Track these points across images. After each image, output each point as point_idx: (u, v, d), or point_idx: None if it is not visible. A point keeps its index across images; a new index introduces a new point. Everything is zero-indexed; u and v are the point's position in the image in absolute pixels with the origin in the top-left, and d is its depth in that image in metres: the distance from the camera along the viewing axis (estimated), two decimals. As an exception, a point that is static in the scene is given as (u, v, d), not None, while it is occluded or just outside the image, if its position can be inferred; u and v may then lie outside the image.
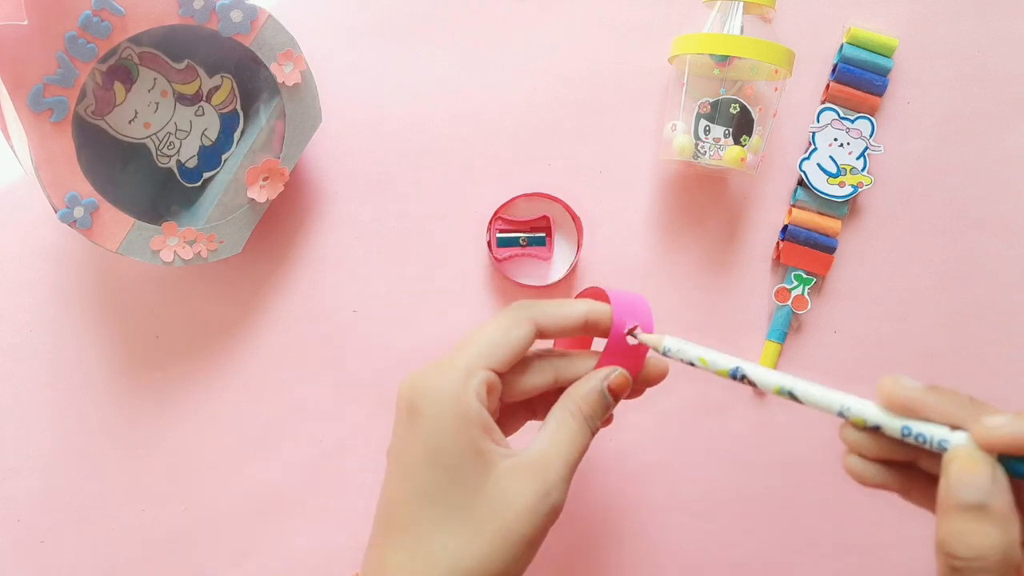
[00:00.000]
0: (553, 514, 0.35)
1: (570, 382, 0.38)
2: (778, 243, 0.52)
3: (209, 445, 0.51)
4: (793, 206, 0.52)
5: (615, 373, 0.38)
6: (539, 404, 0.41)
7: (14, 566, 0.51)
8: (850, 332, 0.52)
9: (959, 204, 0.52)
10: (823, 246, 0.51)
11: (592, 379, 0.38)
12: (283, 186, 0.48)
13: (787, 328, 0.52)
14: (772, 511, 0.52)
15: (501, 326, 0.37)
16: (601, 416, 0.37)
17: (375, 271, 0.52)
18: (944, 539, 0.29)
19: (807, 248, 0.51)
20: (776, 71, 0.48)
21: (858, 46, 0.51)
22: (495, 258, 0.50)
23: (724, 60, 0.48)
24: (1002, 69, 0.52)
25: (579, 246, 0.51)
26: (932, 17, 0.52)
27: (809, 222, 0.51)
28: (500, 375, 0.37)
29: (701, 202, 0.52)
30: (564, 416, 0.37)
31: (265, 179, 0.48)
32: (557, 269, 0.51)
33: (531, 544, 0.34)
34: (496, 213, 0.50)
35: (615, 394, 0.38)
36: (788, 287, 0.51)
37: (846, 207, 0.51)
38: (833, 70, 0.52)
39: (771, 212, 0.53)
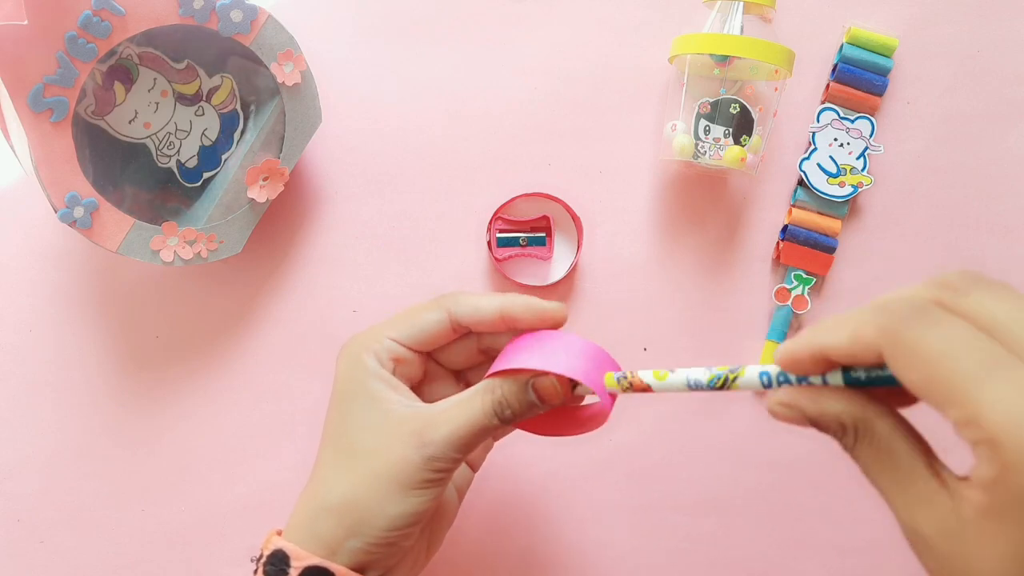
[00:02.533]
0: (429, 466, 0.36)
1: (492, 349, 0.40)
2: (778, 243, 0.52)
3: (209, 445, 0.51)
4: (793, 206, 0.52)
5: (546, 379, 0.36)
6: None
7: (14, 566, 0.51)
8: (850, 332, 0.52)
9: (959, 204, 0.52)
10: (823, 246, 0.51)
11: (522, 374, 0.37)
12: (283, 186, 0.48)
13: (787, 328, 0.52)
14: (772, 511, 0.52)
15: (416, 307, 0.40)
16: (517, 409, 0.36)
17: (375, 271, 0.52)
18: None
19: (807, 248, 0.51)
20: (776, 71, 0.48)
21: (858, 46, 0.51)
22: (495, 258, 0.50)
23: (724, 60, 0.48)
24: (1002, 69, 0.52)
25: (579, 246, 0.51)
26: (932, 17, 0.52)
27: (809, 222, 0.51)
28: (419, 353, 0.40)
29: (701, 202, 0.52)
30: (478, 389, 0.37)
31: (265, 179, 0.48)
32: (557, 269, 0.51)
33: (405, 488, 0.36)
34: (496, 213, 0.50)
35: (540, 395, 0.36)
36: (788, 287, 0.52)
37: (846, 207, 0.51)
38: (833, 70, 0.52)
39: (771, 212, 0.53)
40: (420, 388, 0.41)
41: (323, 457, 0.39)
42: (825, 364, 0.30)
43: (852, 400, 0.30)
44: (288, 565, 0.36)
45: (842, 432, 0.30)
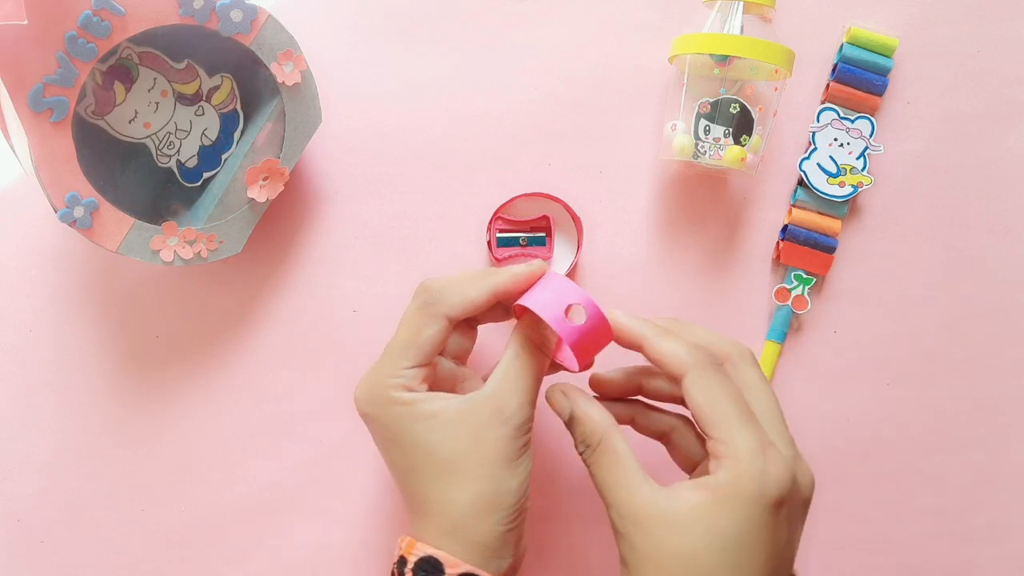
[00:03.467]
0: (520, 434, 0.39)
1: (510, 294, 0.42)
2: (778, 243, 0.52)
3: (209, 445, 0.51)
4: (793, 206, 0.52)
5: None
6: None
7: (14, 566, 0.51)
8: (850, 332, 0.52)
9: (959, 204, 0.52)
10: (823, 246, 0.51)
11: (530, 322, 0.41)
12: (283, 186, 0.48)
13: (787, 328, 0.52)
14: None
15: (413, 327, 0.41)
16: (553, 341, 0.41)
17: (375, 271, 0.52)
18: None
19: (807, 248, 0.51)
20: (776, 71, 0.48)
21: (858, 46, 0.51)
22: (495, 258, 0.50)
23: (724, 60, 0.48)
24: (1002, 69, 0.52)
25: (579, 246, 0.51)
26: (932, 17, 0.52)
27: (809, 222, 0.51)
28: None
29: (701, 202, 0.52)
30: (516, 349, 0.41)
31: (265, 179, 0.48)
32: (557, 269, 0.51)
33: (509, 461, 0.39)
34: (496, 213, 0.50)
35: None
36: (788, 287, 0.52)
37: (846, 207, 0.51)
38: (833, 70, 0.52)
39: (771, 212, 0.53)
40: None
41: (419, 489, 0.40)
42: (628, 345, 0.40)
43: (606, 415, 0.39)
44: (442, 572, 0.38)
45: (589, 436, 0.39)
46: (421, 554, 0.38)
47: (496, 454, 0.39)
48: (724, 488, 0.35)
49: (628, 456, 0.38)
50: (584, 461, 0.39)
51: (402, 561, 0.39)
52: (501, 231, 0.51)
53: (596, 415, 0.39)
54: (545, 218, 0.51)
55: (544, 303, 0.39)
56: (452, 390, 0.43)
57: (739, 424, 0.37)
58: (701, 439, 0.43)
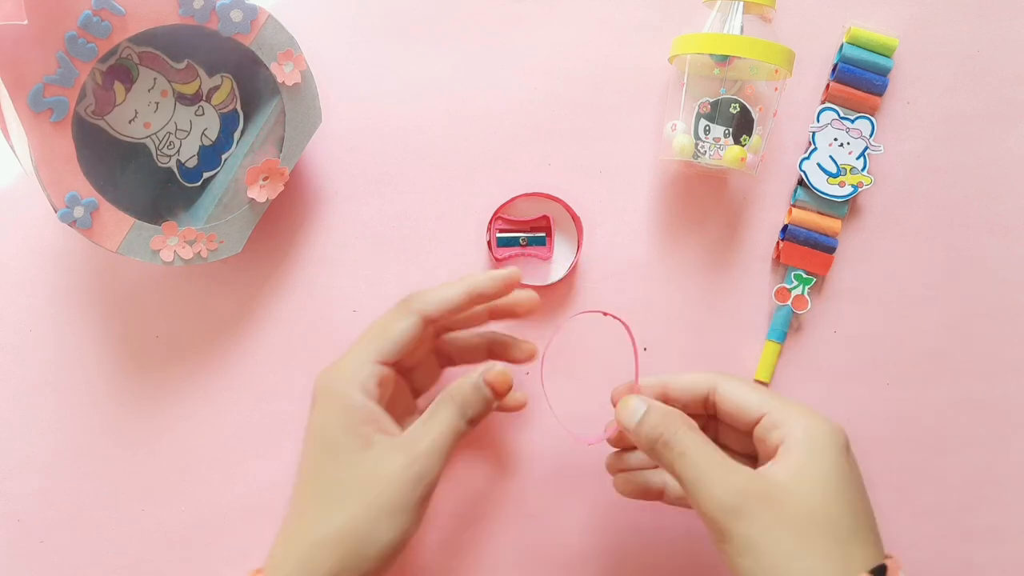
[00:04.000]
0: (419, 482, 0.38)
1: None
2: (778, 243, 0.52)
3: (209, 445, 0.51)
4: (793, 206, 0.52)
5: (494, 370, 0.41)
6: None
7: (14, 566, 0.51)
8: (850, 332, 0.52)
9: (959, 204, 0.52)
10: (823, 246, 0.51)
11: (471, 374, 0.42)
12: (283, 186, 0.48)
13: (787, 328, 0.52)
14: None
15: (386, 320, 0.42)
16: (477, 407, 0.41)
17: (375, 271, 0.52)
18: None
19: (807, 248, 0.51)
20: (776, 71, 0.48)
21: (858, 46, 0.51)
22: (495, 258, 0.50)
23: (724, 60, 0.48)
24: (1002, 69, 0.52)
25: (579, 246, 0.51)
26: (932, 17, 0.52)
27: (809, 222, 0.51)
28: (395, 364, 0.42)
29: (701, 202, 0.52)
30: (440, 401, 0.41)
31: (265, 179, 0.48)
32: (557, 269, 0.51)
33: (399, 510, 0.38)
34: (496, 213, 0.50)
35: (493, 388, 0.41)
36: (788, 287, 0.51)
37: (846, 207, 0.51)
38: (833, 70, 0.52)
39: (771, 212, 0.53)
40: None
41: (307, 494, 0.39)
42: (660, 398, 0.43)
43: (672, 409, 0.41)
44: None
45: (672, 431, 0.39)
46: None
47: (381, 497, 0.38)
48: (808, 443, 0.38)
49: (711, 441, 0.39)
50: (664, 453, 0.39)
51: None
52: (501, 231, 0.51)
53: (675, 409, 0.41)
54: (545, 218, 0.51)
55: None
56: (397, 418, 0.43)
57: (782, 397, 0.40)
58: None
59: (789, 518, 0.36)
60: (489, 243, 0.50)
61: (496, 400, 0.41)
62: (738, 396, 0.41)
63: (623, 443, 0.47)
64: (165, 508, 0.51)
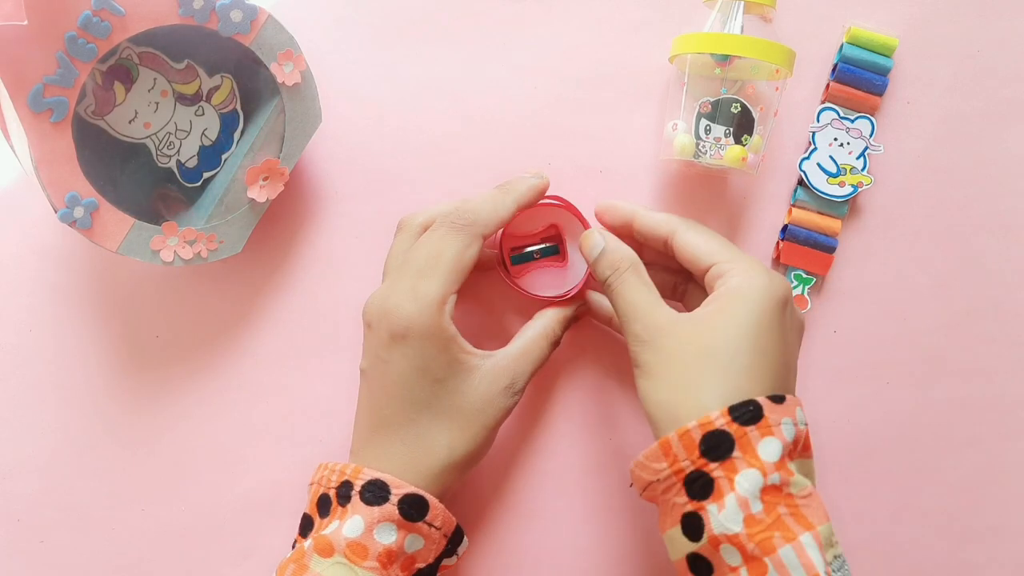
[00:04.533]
0: (515, 401, 0.44)
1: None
2: (778, 243, 0.52)
3: (209, 444, 0.51)
4: (793, 206, 0.52)
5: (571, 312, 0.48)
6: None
7: (14, 566, 0.51)
8: (850, 332, 0.52)
9: (959, 204, 0.52)
10: (823, 246, 0.51)
11: (563, 310, 0.48)
12: (283, 186, 0.48)
13: (787, 328, 0.52)
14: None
15: (455, 248, 0.42)
16: (561, 334, 0.48)
17: (375, 271, 0.52)
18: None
19: (807, 248, 0.51)
20: (777, 71, 0.48)
21: (858, 46, 0.51)
22: (513, 277, 0.49)
23: (725, 60, 0.48)
24: (1002, 69, 0.52)
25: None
26: (932, 17, 0.52)
27: (809, 222, 0.51)
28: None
29: (701, 202, 0.52)
30: (535, 335, 0.46)
31: (265, 179, 0.48)
32: (574, 275, 0.49)
33: (497, 428, 0.44)
34: (504, 231, 0.49)
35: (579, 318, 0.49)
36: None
37: (846, 207, 0.51)
38: (833, 70, 0.52)
39: (771, 212, 0.53)
40: None
41: (425, 424, 0.42)
42: (621, 225, 0.47)
43: (633, 251, 0.44)
44: (389, 492, 0.40)
45: (618, 262, 0.43)
46: (368, 477, 0.41)
47: (495, 421, 0.44)
48: (737, 290, 0.40)
49: (650, 283, 0.43)
50: (608, 288, 0.43)
51: (347, 485, 0.41)
52: (514, 249, 0.49)
53: (628, 251, 0.44)
54: (554, 227, 0.50)
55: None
56: None
57: (736, 250, 0.43)
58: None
59: (687, 350, 0.39)
60: (504, 263, 0.49)
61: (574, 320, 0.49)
62: (693, 244, 0.43)
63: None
64: (165, 508, 0.51)
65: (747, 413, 0.37)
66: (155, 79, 0.47)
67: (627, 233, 0.47)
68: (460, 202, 0.44)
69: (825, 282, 0.52)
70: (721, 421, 0.37)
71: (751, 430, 0.37)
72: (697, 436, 0.37)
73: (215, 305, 0.52)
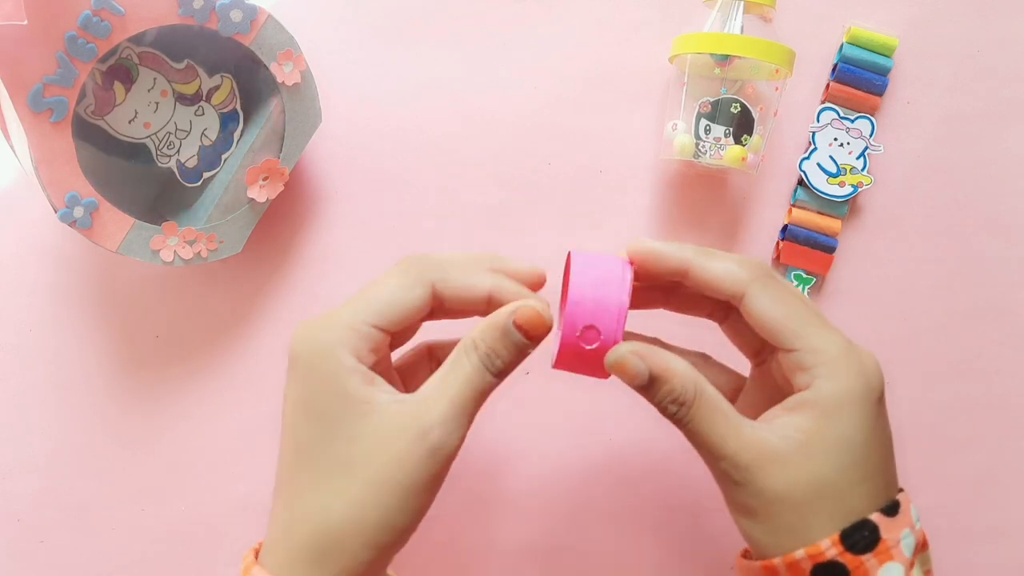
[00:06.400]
0: (436, 456, 0.33)
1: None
2: (778, 243, 0.52)
3: (209, 444, 0.51)
4: (793, 206, 0.52)
5: (524, 305, 0.34)
6: None
7: (14, 566, 0.51)
8: (850, 332, 0.52)
9: (959, 204, 0.52)
10: (823, 246, 0.51)
11: (498, 314, 0.34)
12: (283, 186, 0.48)
13: (787, 328, 0.52)
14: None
15: (396, 283, 0.35)
16: (507, 356, 0.34)
17: (375, 271, 0.52)
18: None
19: (807, 248, 0.51)
20: (777, 71, 0.48)
21: (858, 46, 0.51)
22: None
23: (725, 59, 0.48)
24: (1002, 69, 0.52)
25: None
26: (932, 17, 0.52)
27: (809, 222, 0.51)
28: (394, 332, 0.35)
29: (701, 202, 0.52)
30: (457, 353, 0.34)
31: (265, 179, 0.48)
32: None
33: (413, 490, 0.33)
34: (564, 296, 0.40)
35: (525, 331, 0.34)
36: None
37: (846, 207, 0.51)
38: (833, 70, 0.52)
39: (771, 212, 0.53)
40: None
41: (301, 472, 0.34)
42: (669, 276, 0.37)
43: (688, 365, 0.35)
44: None
45: (682, 392, 0.34)
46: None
47: (412, 483, 0.33)
48: (831, 397, 0.34)
49: (724, 401, 0.35)
50: (677, 421, 0.35)
51: None
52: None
53: (683, 368, 0.35)
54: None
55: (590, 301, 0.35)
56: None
57: (821, 327, 0.35)
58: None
59: (794, 490, 0.33)
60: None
61: (531, 346, 0.35)
62: (770, 317, 0.35)
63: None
64: (165, 508, 0.51)
65: (862, 540, 0.33)
66: (155, 79, 0.47)
67: (668, 281, 0.38)
68: (441, 255, 0.37)
69: (825, 282, 0.52)
70: (833, 552, 0.33)
71: (868, 559, 0.33)
72: (807, 567, 0.33)
73: (215, 305, 0.52)
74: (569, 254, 0.38)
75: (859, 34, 0.51)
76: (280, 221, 0.52)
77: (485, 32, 0.52)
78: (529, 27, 0.52)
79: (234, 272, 0.52)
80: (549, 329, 0.35)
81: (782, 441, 0.34)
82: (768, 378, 0.39)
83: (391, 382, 0.36)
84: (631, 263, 0.37)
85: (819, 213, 0.51)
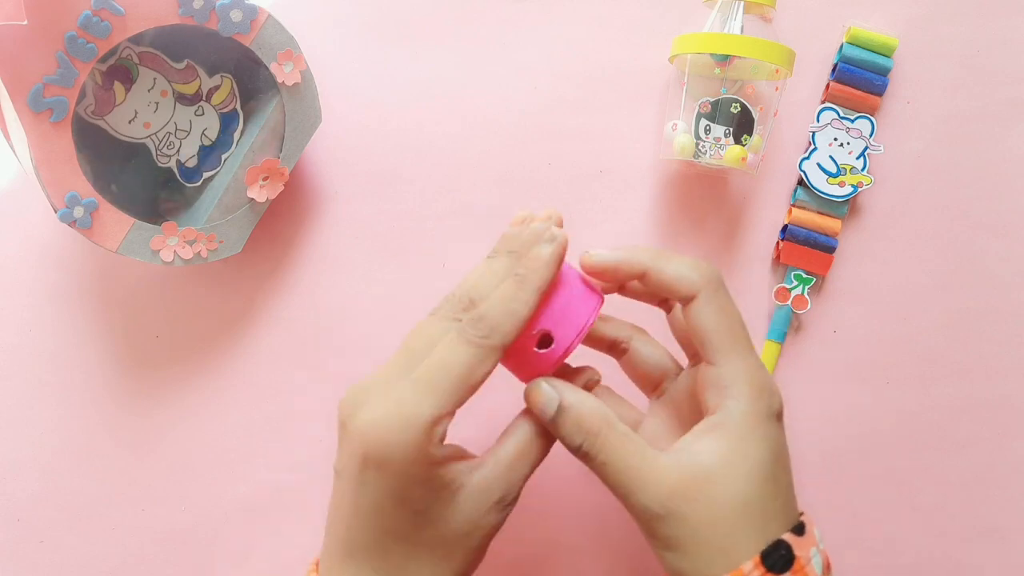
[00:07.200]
0: (508, 513, 0.36)
1: None
2: (778, 243, 0.52)
3: (209, 445, 0.51)
4: (793, 206, 0.52)
5: (586, 406, 0.36)
6: None
7: (14, 566, 0.51)
8: (850, 332, 0.52)
9: (959, 204, 0.52)
10: (823, 246, 0.51)
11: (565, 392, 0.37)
12: (283, 186, 0.48)
13: (787, 328, 0.52)
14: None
15: (465, 363, 0.34)
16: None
17: (375, 271, 0.52)
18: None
19: (807, 248, 0.51)
20: (777, 71, 0.48)
21: (858, 46, 0.51)
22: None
23: (725, 59, 0.48)
24: (1002, 69, 0.52)
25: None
26: (932, 17, 0.52)
27: (809, 222, 0.51)
28: None
29: (701, 202, 0.52)
30: (530, 434, 0.37)
31: (265, 179, 0.48)
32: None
33: (490, 541, 0.36)
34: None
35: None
36: (788, 287, 0.51)
37: (846, 207, 0.51)
38: (833, 70, 0.52)
39: (771, 212, 0.53)
40: None
41: (402, 556, 0.35)
42: (623, 280, 0.39)
43: (596, 400, 0.37)
44: None
45: (588, 425, 0.36)
46: None
47: (484, 542, 0.36)
48: (743, 420, 0.35)
49: (633, 434, 0.36)
50: (584, 455, 0.36)
51: None
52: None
53: (592, 402, 0.36)
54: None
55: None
56: None
57: (745, 350, 0.37)
58: (662, 349, 0.43)
59: (715, 515, 0.34)
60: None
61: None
62: (704, 327, 0.36)
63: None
64: (165, 508, 0.51)
65: (780, 559, 0.34)
66: (155, 79, 0.47)
67: (615, 283, 0.40)
68: (468, 289, 0.37)
69: (825, 282, 0.52)
70: (756, 574, 0.34)
71: None
72: None
73: (215, 305, 0.52)
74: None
75: (859, 34, 0.51)
76: (280, 221, 0.52)
77: (485, 32, 0.52)
78: (529, 27, 0.52)
79: (234, 272, 0.52)
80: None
81: (700, 466, 0.35)
82: (670, 407, 0.41)
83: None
84: (600, 299, 0.39)
85: (819, 213, 0.51)
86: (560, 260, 0.37)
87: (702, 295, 0.36)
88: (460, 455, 0.36)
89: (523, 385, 0.38)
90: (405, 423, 0.33)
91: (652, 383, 0.43)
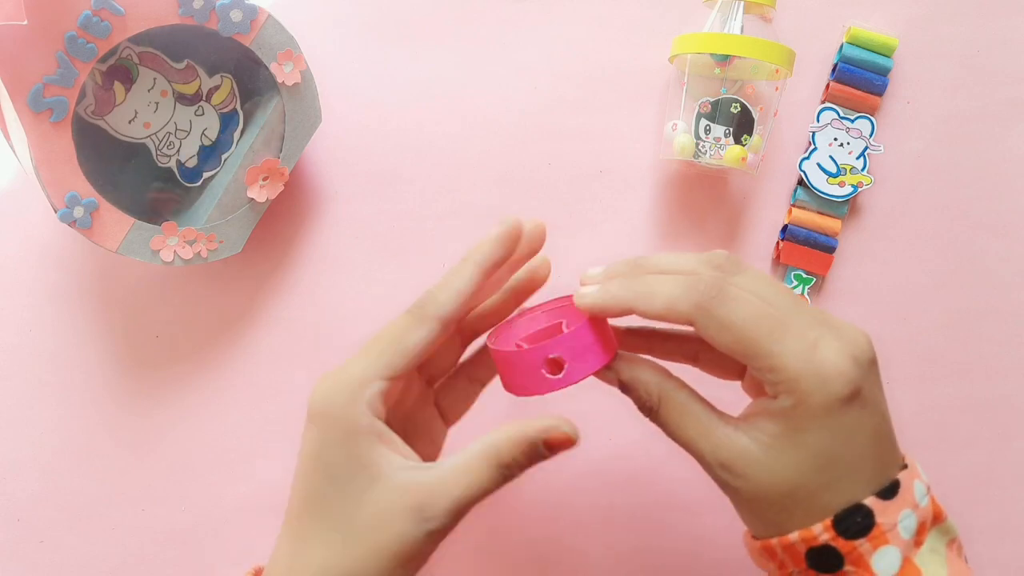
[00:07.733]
0: (432, 538, 0.33)
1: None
2: (778, 243, 0.52)
3: (209, 445, 0.51)
4: (793, 206, 0.52)
5: (558, 429, 0.35)
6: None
7: (14, 566, 0.51)
8: (850, 332, 0.52)
9: (959, 204, 0.52)
10: (823, 246, 0.51)
11: (529, 427, 0.34)
12: (283, 186, 0.48)
13: (787, 328, 0.52)
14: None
15: (399, 328, 0.35)
16: (525, 465, 0.35)
17: (375, 271, 0.52)
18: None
19: (807, 248, 0.51)
20: (777, 71, 0.48)
21: (858, 46, 0.51)
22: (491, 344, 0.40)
23: (725, 59, 0.48)
24: (1002, 69, 0.52)
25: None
26: (932, 17, 0.52)
27: (809, 222, 0.51)
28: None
29: (701, 202, 0.52)
30: (478, 458, 0.34)
31: (265, 179, 0.48)
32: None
33: (408, 563, 0.34)
34: (493, 333, 0.41)
35: (552, 449, 0.35)
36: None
37: (846, 207, 0.51)
38: (833, 70, 0.52)
39: (771, 212, 0.53)
40: (402, 409, 0.40)
41: (308, 521, 0.35)
42: (621, 315, 0.37)
43: (658, 372, 0.37)
44: None
45: (647, 397, 0.37)
46: None
47: (390, 547, 0.33)
48: (792, 411, 0.34)
49: (693, 403, 0.36)
50: (655, 422, 0.37)
51: None
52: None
53: (646, 375, 0.37)
54: (556, 327, 0.41)
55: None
56: (405, 435, 0.37)
57: (772, 342, 0.33)
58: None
59: (767, 489, 0.34)
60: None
61: (550, 456, 0.35)
62: (719, 343, 0.35)
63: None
64: (165, 508, 0.51)
65: (855, 525, 0.33)
66: (155, 79, 0.47)
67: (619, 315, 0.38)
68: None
69: (825, 282, 0.52)
70: (825, 536, 0.33)
71: (861, 543, 0.33)
72: (801, 550, 0.34)
73: (215, 305, 0.52)
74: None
75: (859, 34, 0.51)
76: (280, 221, 0.52)
77: (485, 32, 0.52)
78: (529, 27, 0.52)
79: (234, 272, 0.52)
80: (574, 444, 0.36)
81: (752, 443, 0.35)
82: (751, 380, 0.40)
83: (421, 416, 0.41)
84: (614, 355, 0.38)
85: (819, 213, 0.51)
86: (507, 240, 0.36)
87: (698, 317, 0.34)
88: (396, 447, 0.35)
89: (519, 399, 0.38)
90: (336, 382, 0.35)
91: (733, 371, 0.40)
